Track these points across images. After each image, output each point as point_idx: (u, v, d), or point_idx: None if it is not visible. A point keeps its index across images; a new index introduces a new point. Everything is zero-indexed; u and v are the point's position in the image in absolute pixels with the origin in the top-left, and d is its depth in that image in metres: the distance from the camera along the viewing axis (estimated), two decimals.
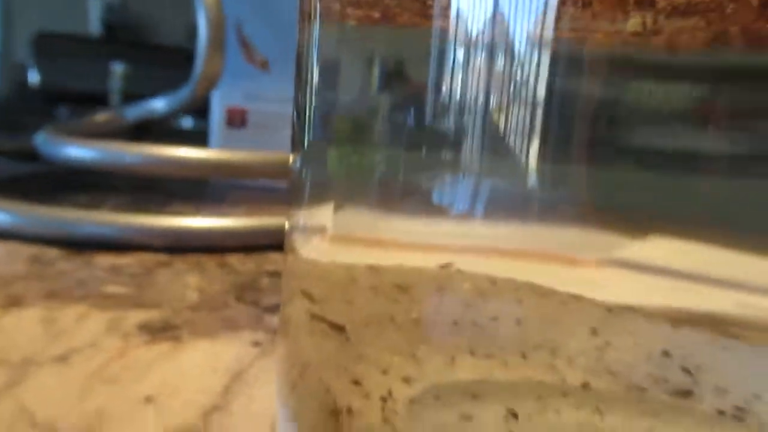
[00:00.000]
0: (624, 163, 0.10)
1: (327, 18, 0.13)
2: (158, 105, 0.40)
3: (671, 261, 0.10)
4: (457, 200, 0.11)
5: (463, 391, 0.11)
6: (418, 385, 0.11)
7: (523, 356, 0.11)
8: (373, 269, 0.13)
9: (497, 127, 0.10)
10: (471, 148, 0.10)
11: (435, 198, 0.12)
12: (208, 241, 0.29)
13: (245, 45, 0.45)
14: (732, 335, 0.11)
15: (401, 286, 0.13)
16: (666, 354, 0.11)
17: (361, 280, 0.13)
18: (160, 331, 0.20)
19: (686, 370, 0.11)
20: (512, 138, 0.10)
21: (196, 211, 0.36)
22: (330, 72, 0.14)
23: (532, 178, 0.10)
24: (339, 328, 0.13)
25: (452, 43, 0.10)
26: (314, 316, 0.13)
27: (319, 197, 0.14)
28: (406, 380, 0.12)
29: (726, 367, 0.11)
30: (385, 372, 0.12)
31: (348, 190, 0.13)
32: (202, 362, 0.18)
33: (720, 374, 0.11)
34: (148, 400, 0.16)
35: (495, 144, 0.10)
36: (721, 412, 0.11)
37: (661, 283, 0.11)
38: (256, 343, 0.20)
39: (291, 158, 0.14)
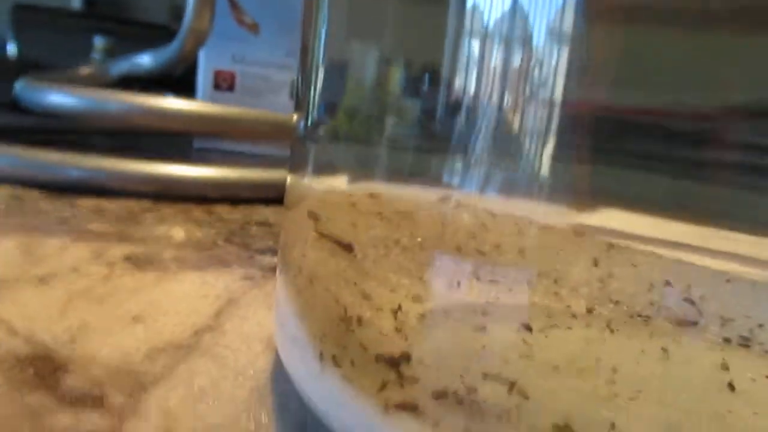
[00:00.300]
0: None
1: None
2: (144, 60, 0.39)
3: (633, 228, 0.11)
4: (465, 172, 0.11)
5: (473, 310, 0.11)
6: (427, 303, 0.11)
7: (528, 283, 0.11)
8: (373, 197, 0.13)
9: (500, 108, 0.10)
10: (480, 120, 0.10)
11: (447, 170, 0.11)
12: (196, 189, 0.28)
13: (234, 6, 0.44)
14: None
15: (403, 212, 0.12)
16: (668, 284, 0.11)
17: (362, 206, 0.13)
18: (146, 263, 0.19)
19: (689, 301, 0.11)
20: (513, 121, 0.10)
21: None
22: (341, 43, 0.13)
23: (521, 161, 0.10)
24: (346, 247, 0.13)
25: (470, 19, 0.10)
26: (322, 235, 0.13)
27: (327, 166, 0.13)
28: (416, 299, 0.11)
29: (729, 299, 0.11)
30: (393, 290, 0.12)
31: (356, 162, 0.13)
32: (191, 290, 0.17)
33: (724, 305, 0.11)
34: (136, 319, 0.15)
35: (496, 123, 0.10)
36: (726, 340, 0.11)
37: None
38: (248, 277, 0.19)
39: (294, 120, 0.14)
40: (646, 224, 0.10)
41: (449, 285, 0.11)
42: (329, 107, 0.14)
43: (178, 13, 0.38)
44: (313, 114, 0.14)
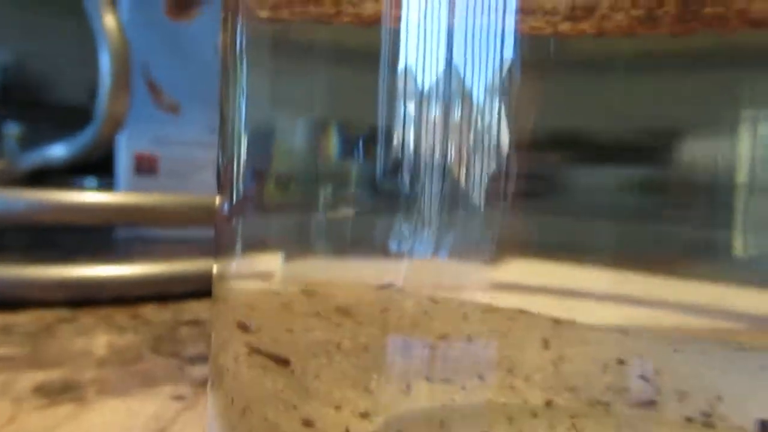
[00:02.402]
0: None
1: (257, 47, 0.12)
2: (57, 151, 0.37)
3: (540, 280, 0.11)
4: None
5: (427, 421, 0.11)
6: (377, 419, 0.11)
7: (481, 377, 0.10)
8: (308, 293, 0.12)
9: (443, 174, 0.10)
10: (421, 194, 0.10)
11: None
12: (118, 290, 0.26)
13: (153, 87, 0.42)
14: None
15: (343, 308, 0.12)
16: (621, 362, 0.10)
17: (296, 306, 0.12)
18: (60, 392, 0.17)
19: (644, 378, 0.10)
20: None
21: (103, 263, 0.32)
22: (265, 109, 0.12)
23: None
24: (282, 362, 0.12)
25: (403, 88, 0.10)
26: (253, 350, 0.12)
27: (259, 243, 0.12)
28: (364, 415, 0.11)
29: (682, 371, 0.11)
30: (338, 408, 0.11)
31: (292, 236, 0.12)
32: (114, 422, 0.15)
33: (678, 378, 0.10)
34: None
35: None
36: (688, 419, 0.10)
37: (547, 301, 0.11)
38: (179, 397, 0.17)
39: (217, 202, 0.13)
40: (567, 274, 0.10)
41: (399, 392, 0.10)
42: (257, 178, 0.12)
43: (95, 91, 0.36)
44: (239, 188, 0.12)
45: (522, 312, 0.10)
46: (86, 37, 0.35)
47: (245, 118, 0.12)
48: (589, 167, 0.10)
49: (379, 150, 0.10)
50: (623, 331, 0.11)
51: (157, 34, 0.42)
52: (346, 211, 0.11)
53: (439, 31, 0.10)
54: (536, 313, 0.11)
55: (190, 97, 0.43)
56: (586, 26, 0.10)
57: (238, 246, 0.13)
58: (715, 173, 0.09)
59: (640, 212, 0.10)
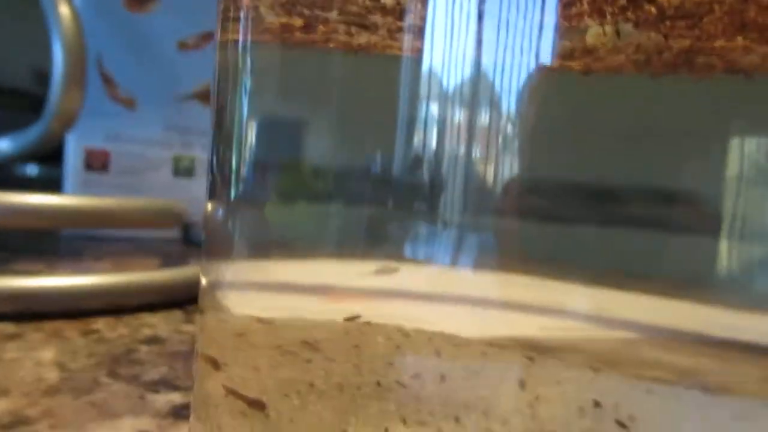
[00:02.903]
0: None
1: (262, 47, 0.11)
2: (2, 146, 0.34)
3: (440, 287, 0.10)
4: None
5: None
6: None
7: (457, 420, 0.10)
8: (263, 322, 0.12)
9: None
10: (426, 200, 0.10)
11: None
12: (69, 303, 0.24)
13: (107, 80, 0.40)
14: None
15: (310, 344, 0.11)
16: (597, 404, 0.10)
17: (253, 337, 0.12)
18: (7, 429, 0.16)
19: (621, 424, 0.10)
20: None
21: (50, 270, 0.30)
22: (269, 116, 0.12)
23: None
24: (257, 405, 0.11)
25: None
26: (228, 391, 0.11)
27: (255, 252, 0.11)
28: None
29: (657, 416, 0.10)
30: None
31: (293, 244, 0.11)
32: None
33: (653, 423, 0.10)
34: None
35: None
36: None
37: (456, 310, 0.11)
38: None
39: (209, 207, 0.12)
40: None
41: None
42: (264, 180, 0.11)
43: (42, 77, 0.34)
44: (238, 188, 0.11)
45: (492, 345, 0.10)
46: (34, 18, 0.33)
47: (248, 115, 0.11)
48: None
49: (398, 149, 0.10)
50: (595, 369, 0.10)
51: (113, 24, 0.40)
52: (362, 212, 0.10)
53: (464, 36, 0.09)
54: (507, 346, 0.10)
55: (147, 93, 0.41)
56: (574, 64, 0.10)
57: (235, 253, 0.12)
58: (697, 186, 0.09)
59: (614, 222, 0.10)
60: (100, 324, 0.24)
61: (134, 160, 0.41)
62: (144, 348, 0.22)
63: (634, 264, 0.10)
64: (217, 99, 0.12)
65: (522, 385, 0.10)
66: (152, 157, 0.41)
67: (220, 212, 0.12)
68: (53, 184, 0.41)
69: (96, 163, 0.40)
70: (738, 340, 0.10)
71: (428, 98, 0.09)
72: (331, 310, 0.11)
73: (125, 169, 0.41)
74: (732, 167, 0.09)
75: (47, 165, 0.50)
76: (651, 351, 0.10)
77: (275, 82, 0.11)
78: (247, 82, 0.11)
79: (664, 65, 0.10)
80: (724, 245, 0.09)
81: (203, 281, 0.12)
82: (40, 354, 0.21)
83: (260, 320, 0.12)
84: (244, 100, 0.11)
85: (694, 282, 0.10)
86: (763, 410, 0.10)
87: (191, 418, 0.12)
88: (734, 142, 0.09)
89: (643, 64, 0.10)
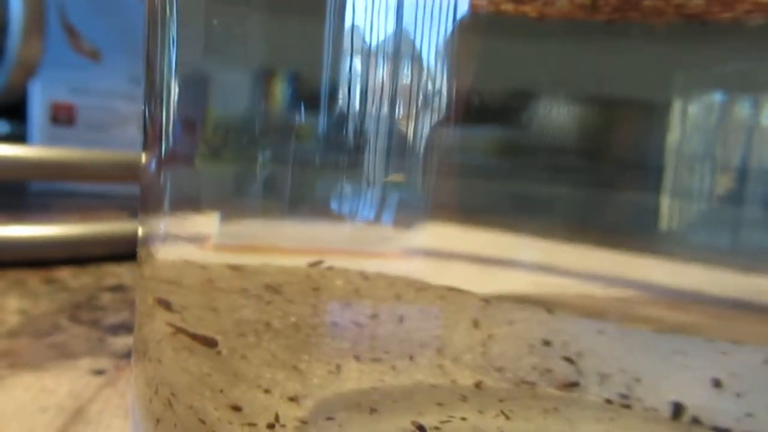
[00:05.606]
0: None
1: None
2: None
3: (454, 246, 0.11)
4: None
5: (357, 406, 0.11)
6: (306, 402, 0.10)
7: (411, 358, 0.10)
8: (235, 268, 0.12)
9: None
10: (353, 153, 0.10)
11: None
12: (33, 252, 0.24)
13: (71, 32, 0.39)
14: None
15: (272, 286, 0.11)
16: (546, 343, 0.11)
17: (222, 282, 0.12)
18: None
19: (568, 359, 0.11)
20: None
21: (15, 221, 0.30)
22: (196, 65, 0.12)
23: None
24: (209, 342, 0.11)
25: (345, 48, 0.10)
26: (177, 329, 0.11)
27: (189, 204, 0.11)
28: (293, 399, 0.10)
29: (604, 352, 0.11)
30: (267, 391, 0.11)
31: (226, 196, 0.11)
32: (27, 401, 0.15)
33: (600, 360, 0.11)
34: None
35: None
36: (608, 401, 0.11)
37: (460, 267, 0.11)
38: (99, 371, 0.16)
39: (144, 158, 0.12)
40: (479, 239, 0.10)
41: (328, 372, 0.10)
42: (190, 131, 0.12)
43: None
44: (168, 141, 0.12)
45: (451, 290, 0.10)
46: None
47: (175, 67, 0.11)
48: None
49: (323, 104, 0.10)
50: (549, 310, 0.11)
51: None
52: (285, 169, 0.11)
53: None
54: (466, 290, 0.11)
55: (112, 45, 0.40)
56: (528, 8, 0.10)
57: (166, 206, 0.12)
58: (645, 147, 0.10)
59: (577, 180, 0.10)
60: (64, 273, 0.24)
61: (101, 113, 0.41)
62: (107, 295, 0.23)
63: (577, 217, 0.10)
64: (147, 50, 0.12)
65: (476, 324, 0.11)
66: (119, 110, 0.41)
67: (153, 165, 0.12)
68: (22, 141, 0.40)
69: (62, 116, 0.40)
70: (683, 289, 0.10)
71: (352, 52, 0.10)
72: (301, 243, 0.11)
73: (91, 122, 0.40)
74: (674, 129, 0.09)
75: (12, 121, 0.50)
76: (602, 298, 0.11)
77: (200, 35, 0.11)
78: (173, 32, 0.11)
79: (612, 10, 0.10)
80: (665, 200, 0.10)
81: (140, 231, 0.12)
82: (2, 301, 0.21)
83: (233, 267, 0.12)
84: (172, 52, 0.11)
85: (636, 234, 0.10)
86: (703, 345, 0.11)
87: (132, 361, 0.12)
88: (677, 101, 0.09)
89: (590, 8, 0.10)
